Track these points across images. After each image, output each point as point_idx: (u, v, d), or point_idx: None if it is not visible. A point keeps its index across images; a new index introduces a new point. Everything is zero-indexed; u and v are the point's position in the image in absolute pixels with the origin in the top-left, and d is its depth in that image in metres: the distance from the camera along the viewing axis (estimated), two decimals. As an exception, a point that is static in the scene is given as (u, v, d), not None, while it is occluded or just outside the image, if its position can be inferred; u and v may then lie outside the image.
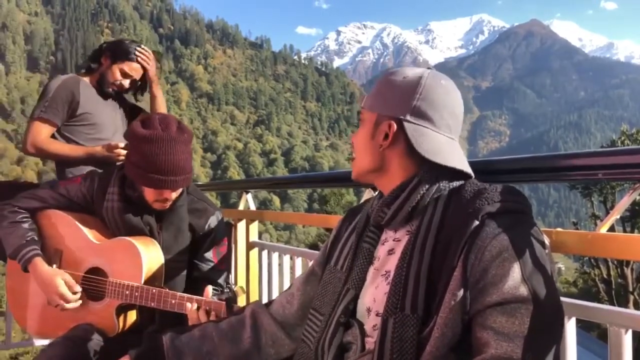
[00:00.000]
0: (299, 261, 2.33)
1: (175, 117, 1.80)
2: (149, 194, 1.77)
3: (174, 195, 1.78)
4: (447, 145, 1.05)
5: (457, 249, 0.90)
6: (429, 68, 1.11)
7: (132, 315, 1.84)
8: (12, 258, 1.83)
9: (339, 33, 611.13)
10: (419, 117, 1.04)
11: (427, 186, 1.01)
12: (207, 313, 1.53)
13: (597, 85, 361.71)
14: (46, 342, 2.33)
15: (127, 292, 1.71)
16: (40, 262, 1.81)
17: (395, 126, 1.04)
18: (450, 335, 0.87)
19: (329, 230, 1.50)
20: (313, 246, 22.41)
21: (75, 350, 1.67)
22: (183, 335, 1.22)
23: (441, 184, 1.01)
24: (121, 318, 1.80)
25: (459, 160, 1.04)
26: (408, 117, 1.04)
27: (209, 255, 1.93)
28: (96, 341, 1.74)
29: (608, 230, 1.12)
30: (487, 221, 0.91)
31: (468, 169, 1.05)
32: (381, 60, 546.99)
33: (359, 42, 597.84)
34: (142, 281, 1.73)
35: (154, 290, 1.68)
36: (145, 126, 1.70)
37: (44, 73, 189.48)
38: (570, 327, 1.14)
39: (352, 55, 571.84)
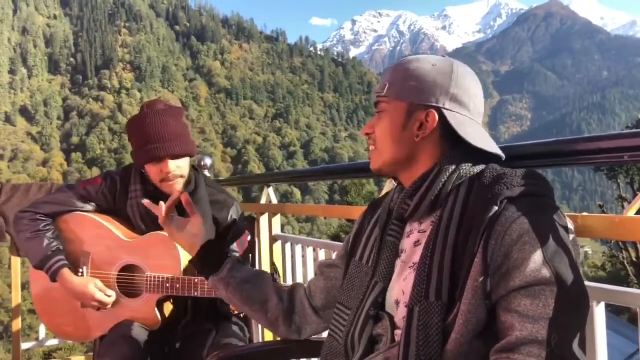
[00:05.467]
0: (322, 253, 2.34)
1: (164, 101, 1.87)
2: (154, 175, 1.78)
3: (174, 167, 1.76)
4: (483, 131, 1.06)
5: (477, 235, 0.90)
6: (443, 57, 1.10)
7: (168, 307, 1.87)
8: (39, 269, 1.81)
9: (354, 23, 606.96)
10: (458, 105, 1.03)
11: (447, 175, 1.00)
12: None
13: (621, 65, 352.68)
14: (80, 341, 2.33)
15: (167, 285, 1.72)
16: (68, 273, 1.79)
17: (436, 115, 1.02)
18: (474, 322, 0.87)
19: (350, 221, 1.34)
20: (335, 237, 22.46)
21: (133, 346, 1.71)
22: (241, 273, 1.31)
23: (462, 171, 1.00)
24: (161, 311, 1.83)
25: (495, 146, 1.06)
26: (447, 105, 1.02)
27: (234, 247, 1.94)
28: (143, 335, 1.77)
29: (636, 213, 1.10)
30: (506, 206, 0.90)
31: (501, 154, 1.07)
32: (398, 48, 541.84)
33: (375, 30, 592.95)
34: (181, 272, 1.75)
35: (197, 280, 1.70)
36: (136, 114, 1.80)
37: (65, 75, 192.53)
38: (600, 312, 1.12)
39: (369, 45, 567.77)
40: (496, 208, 0.90)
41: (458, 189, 1.00)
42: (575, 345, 0.83)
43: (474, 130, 1.03)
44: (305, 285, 1.35)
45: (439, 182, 1.01)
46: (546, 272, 0.84)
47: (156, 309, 1.79)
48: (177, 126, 1.76)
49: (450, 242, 0.94)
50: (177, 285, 1.71)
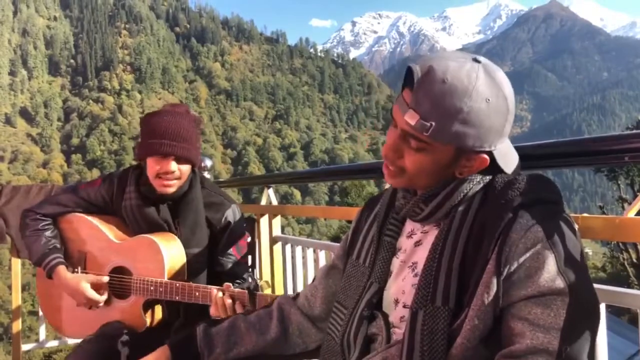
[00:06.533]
0: (322, 254, 2.33)
1: (187, 106, 1.90)
2: (152, 169, 1.78)
3: (175, 167, 1.77)
4: (513, 152, 1.04)
5: (491, 241, 0.89)
6: (476, 60, 0.95)
7: (158, 311, 1.87)
8: (37, 266, 1.90)
9: (354, 24, 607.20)
10: (504, 139, 0.98)
11: (472, 185, 0.99)
12: (232, 300, 1.57)
13: (621, 65, 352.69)
14: (79, 340, 2.38)
15: (151, 288, 1.75)
16: (63, 270, 1.84)
17: (487, 159, 0.97)
18: (481, 327, 0.87)
19: (350, 222, 1.45)
20: (335, 238, 22.44)
21: (107, 347, 1.71)
22: (214, 327, 1.26)
23: (479, 179, 1.00)
24: (148, 314, 1.84)
25: (516, 158, 1.04)
26: (497, 146, 0.97)
27: (231, 250, 1.93)
28: (126, 337, 1.77)
29: (637, 215, 1.09)
30: (520, 213, 0.90)
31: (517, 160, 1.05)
32: (398, 49, 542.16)
33: (375, 32, 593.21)
34: (165, 277, 1.76)
35: (178, 285, 1.71)
36: None
37: (65, 76, 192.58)
38: (600, 313, 1.05)
39: (369, 46, 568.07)
40: (510, 215, 0.90)
41: (473, 196, 0.99)
42: (584, 356, 0.83)
43: (511, 159, 1.01)
44: (297, 298, 1.31)
45: (460, 191, 0.99)
46: (560, 283, 0.84)
47: (142, 312, 1.81)
48: (191, 132, 1.78)
49: (460, 247, 0.93)
50: (161, 289, 1.73)
